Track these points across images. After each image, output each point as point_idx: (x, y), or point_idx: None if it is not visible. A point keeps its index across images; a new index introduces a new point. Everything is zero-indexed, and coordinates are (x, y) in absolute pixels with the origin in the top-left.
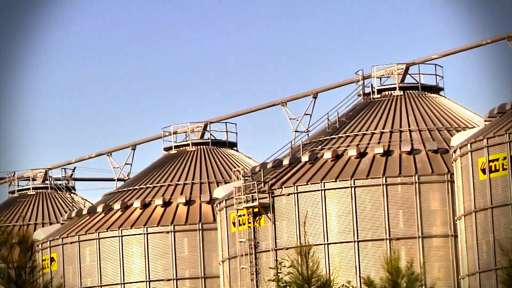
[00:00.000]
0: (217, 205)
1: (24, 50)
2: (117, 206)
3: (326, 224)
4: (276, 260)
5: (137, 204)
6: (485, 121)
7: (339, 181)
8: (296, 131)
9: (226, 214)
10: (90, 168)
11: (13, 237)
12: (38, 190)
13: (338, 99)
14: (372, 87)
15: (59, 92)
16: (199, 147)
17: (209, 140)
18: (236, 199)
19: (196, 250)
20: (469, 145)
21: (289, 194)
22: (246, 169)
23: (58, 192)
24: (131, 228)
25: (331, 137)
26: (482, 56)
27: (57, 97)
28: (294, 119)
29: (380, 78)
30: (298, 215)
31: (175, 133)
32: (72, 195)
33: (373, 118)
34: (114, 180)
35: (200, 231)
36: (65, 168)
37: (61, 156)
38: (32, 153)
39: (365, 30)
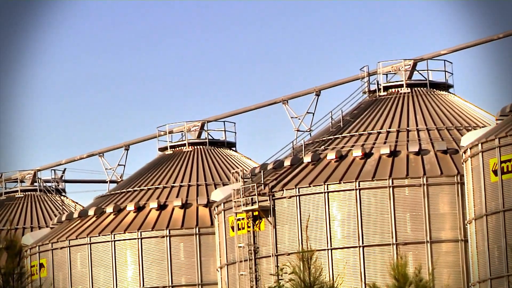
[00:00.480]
0: (215, 208)
1: (17, 50)
2: (109, 209)
3: (330, 228)
4: (277, 266)
5: (130, 207)
6: (496, 120)
7: (343, 183)
8: (298, 131)
9: (224, 217)
10: (81, 170)
11: (0, 242)
12: (26, 193)
13: (342, 96)
14: (378, 84)
15: (49, 91)
16: (195, 147)
17: (207, 140)
18: (234, 202)
19: (193, 256)
20: (480, 145)
21: (290, 197)
22: (246, 170)
23: (48, 194)
24: (124, 233)
25: (335, 136)
26: (493, 51)
27: (47, 96)
28: (296, 117)
29: (387, 74)
30: (300, 219)
31: (170, 132)
32: (62, 197)
33: (379, 117)
34: (106, 182)
35: (197, 236)
36: (54, 170)
37: (50, 157)
38: (20, 154)
39: (371, 24)
